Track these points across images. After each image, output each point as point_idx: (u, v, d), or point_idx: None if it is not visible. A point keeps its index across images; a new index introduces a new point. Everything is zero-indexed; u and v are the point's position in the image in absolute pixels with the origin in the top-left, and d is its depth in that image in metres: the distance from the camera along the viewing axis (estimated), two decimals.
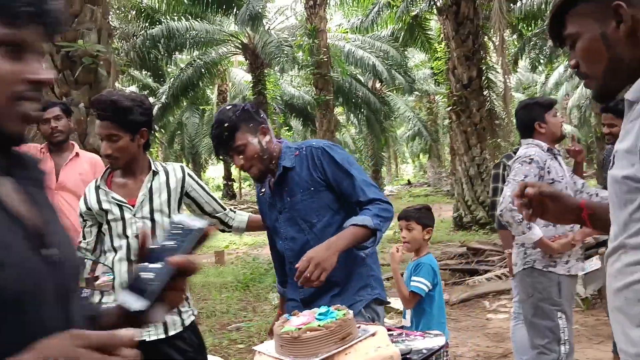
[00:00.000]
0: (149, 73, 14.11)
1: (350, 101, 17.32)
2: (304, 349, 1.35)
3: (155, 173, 2.10)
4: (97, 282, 2.00)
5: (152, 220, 2.05)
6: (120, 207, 2.06)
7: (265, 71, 14.68)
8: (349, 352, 1.35)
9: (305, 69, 13.86)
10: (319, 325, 1.37)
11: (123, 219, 2.05)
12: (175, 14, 12.46)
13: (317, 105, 13.49)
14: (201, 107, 20.58)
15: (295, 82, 19.67)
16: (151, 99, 14.10)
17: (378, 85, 19.20)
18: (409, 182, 29.17)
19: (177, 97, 14.37)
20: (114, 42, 8.10)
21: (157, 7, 12.36)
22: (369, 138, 21.08)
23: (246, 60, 15.37)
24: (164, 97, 14.17)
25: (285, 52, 12.31)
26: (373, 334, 1.42)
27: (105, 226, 2.10)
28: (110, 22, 5.80)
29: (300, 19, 15.08)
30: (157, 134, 15.48)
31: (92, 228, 2.13)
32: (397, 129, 26.07)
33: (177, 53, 14.06)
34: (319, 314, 1.43)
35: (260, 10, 11.72)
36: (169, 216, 2.11)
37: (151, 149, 2.19)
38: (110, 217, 2.07)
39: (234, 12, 12.34)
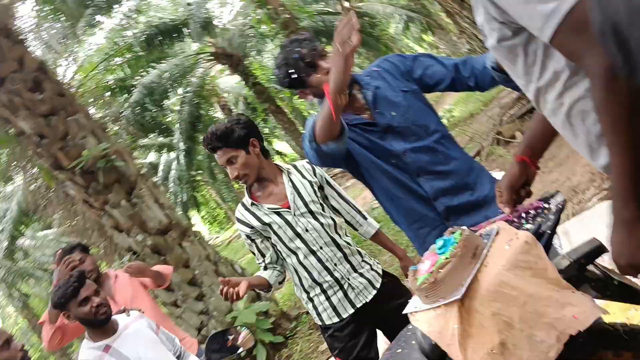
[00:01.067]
0: (155, 133, 14.27)
1: (331, 37, 16.93)
2: (447, 286, 1.32)
3: (288, 172, 2.31)
4: (240, 341, 2.07)
5: (310, 212, 2.26)
6: (279, 213, 2.26)
7: (246, 63, 14.55)
8: (487, 263, 1.32)
9: (274, 38, 13.66)
10: (446, 259, 1.34)
11: (287, 222, 2.26)
12: (140, 70, 12.48)
13: None
14: None
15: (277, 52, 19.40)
16: (172, 154, 14.30)
17: (347, 4, 18.65)
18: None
19: (191, 137, 14.48)
20: (111, 130, 8.22)
21: (122, 75, 12.41)
22: (371, 56, 20.62)
23: (224, 65, 15.27)
24: (181, 144, 14.30)
25: (250, 34, 12.16)
26: (497, 233, 1.37)
27: (274, 237, 2.24)
28: (94, 118, 5.88)
29: None
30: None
31: (265, 242, 2.34)
32: (388, 29, 25.39)
33: (166, 101, 14.14)
34: (439, 249, 1.39)
35: (206, 16, 11.60)
36: (321, 205, 2.31)
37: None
38: (275, 227, 2.27)
39: (187, 34, 12.26)
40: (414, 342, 1.40)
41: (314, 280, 2.35)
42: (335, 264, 2.31)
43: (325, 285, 2.36)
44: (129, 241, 5.19)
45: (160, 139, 15.74)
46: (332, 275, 2.34)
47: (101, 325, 2.63)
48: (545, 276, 1.25)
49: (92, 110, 9.76)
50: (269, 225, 2.27)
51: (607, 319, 1.34)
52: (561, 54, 1.08)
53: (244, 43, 12.22)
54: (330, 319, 2.40)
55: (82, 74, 10.36)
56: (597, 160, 1.15)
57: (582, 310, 1.19)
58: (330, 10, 17.48)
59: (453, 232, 1.43)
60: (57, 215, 6.99)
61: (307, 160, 2.29)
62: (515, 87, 1.96)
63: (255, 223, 2.28)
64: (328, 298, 2.37)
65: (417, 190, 1.97)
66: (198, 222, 28.18)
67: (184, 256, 5.52)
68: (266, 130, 22.57)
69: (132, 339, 2.68)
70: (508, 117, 7.11)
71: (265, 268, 2.38)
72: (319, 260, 2.32)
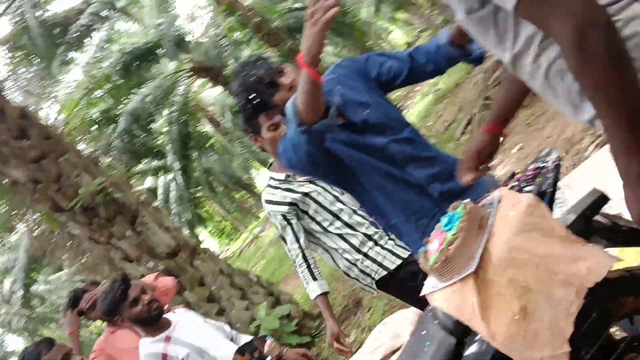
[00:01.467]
0: (148, 158, 14.28)
1: (300, 32, 16.90)
2: (459, 261, 1.32)
3: None
4: (266, 350, 2.09)
5: None
6: (312, 182, 2.29)
7: (225, 72, 14.54)
8: (494, 232, 1.32)
9: (249, 43, 13.64)
10: (453, 235, 1.34)
11: (323, 188, 2.30)
12: (122, 99, 12.47)
13: (285, 57, 13.26)
14: (207, 145, 20.65)
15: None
16: (169, 176, 14.29)
17: None
18: (409, 45, 28.40)
19: (185, 156, 14.46)
20: (103, 163, 8.22)
21: (105, 107, 12.40)
22: (349, 45, 20.53)
23: (204, 78, 15.25)
24: (176, 164, 14.29)
25: (224, 43, 12.16)
26: (500, 200, 1.37)
27: (313, 207, 2.31)
28: (85, 154, 5.89)
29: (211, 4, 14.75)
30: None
31: (299, 222, 2.38)
32: (359, 15, 25.29)
33: (153, 124, 14.12)
34: (445, 226, 1.39)
35: (178, 33, 11.60)
36: None
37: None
38: (314, 194, 2.31)
39: (162, 54, 12.25)
40: (436, 321, 1.40)
41: (365, 235, 2.40)
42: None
43: (376, 237, 2.41)
44: (141, 270, 5.21)
45: (155, 163, 15.74)
46: (377, 227, 2.40)
47: (156, 320, 2.67)
48: (553, 234, 1.25)
49: (81, 147, 9.76)
50: (307, 195, 2.30)
51: (623, 265, 1.34)
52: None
53: (220, 53, 12.22)
54: (393, 263, 2.42)
55: (65, 113, 10.35)
56: (581, 116, 1.14)
57: (595, 262, 1.19)
58: (301, 6, 17.44)
59: (456, 207, 1.43)
60: (65, 257, 6.99)
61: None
62: (473, 60, 1.97)
63: (292, 196, 2.29)
64: (382, 247, 2.42)
65: (409, 179, 1.93)
66: (206, 237, 28.22)
67: (198, 275, 5.53)
68: None
69: (188, 327, 2.74)
70: (493, 81, 7.10)
71: (314, 278, 2.42)
72: (363, 216, 2.38)
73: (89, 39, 10.68)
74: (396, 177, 1.94)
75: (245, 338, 2.98)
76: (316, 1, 1.61)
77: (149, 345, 2.66)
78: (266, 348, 2.48)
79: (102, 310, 2.73)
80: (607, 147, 1.17)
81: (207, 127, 21.11)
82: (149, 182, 17.90)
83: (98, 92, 12.05)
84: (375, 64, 2.03)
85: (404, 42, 29.88)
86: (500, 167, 5.26)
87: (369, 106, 1.95)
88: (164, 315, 2.79)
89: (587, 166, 3.49)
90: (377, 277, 2.46)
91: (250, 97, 2.00)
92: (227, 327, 3.01)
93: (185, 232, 13.51)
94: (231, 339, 2.92)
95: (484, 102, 6.81)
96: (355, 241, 2.41)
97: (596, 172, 2.97)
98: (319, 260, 2.55)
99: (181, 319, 2.82)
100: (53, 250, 6.85)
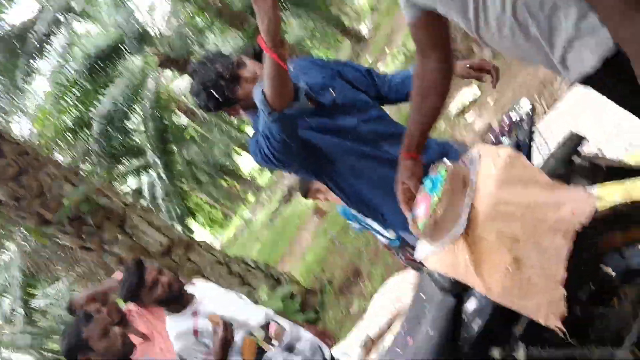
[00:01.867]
0: (128, 158, 14.15)
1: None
2: (448, 223, 1.33)
3: None
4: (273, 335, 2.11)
5: None
6: None
7: (193, 60, 14.36)
8: (478, 189, 1.33)
9: (212, 28, 13.46)
10: (439, 197, 1.35)
11: None
12: (93, 103, 12.29)
13: (251, 37, 13.11)
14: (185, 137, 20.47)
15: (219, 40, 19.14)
16: (153, 173, 14.18)
17: None
18: (373, 9, 28.11)
19: (164, 150, 14.34)
20: (84, 170, 8.14)
21: (77, 113, 12.21)
22: (317, 20, 20.27)
23: (172, 70, 15.06)
24: (157, 160, 14.16)
25: (188, 33, 11.99)
26: (480, 157, 1.38)
27: None
28: (64, 164, 5.83)
29: None
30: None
31: None
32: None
33: (128, 123, 13.94)
34: (429, 190, 1.40)
35: (139, 28, 11.40)
36: None
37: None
38: None
39: (126, 51, 12.05)
40: (433, 283, 1.42)
41: None
42: None
43: None
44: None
45: (136, 162, 15.59)
46: None
47: (179, 299, 2.61)
48: (535, 183, 1.27)
49: (59, 157, 9.65)
50: None
51: (607, 202, 1.37)
52: None
53: (184, 43, 12.05)
54: None
55: (38, 126, 10.20)
56: (554, 52, 1.16)
57: (579, 204, 1.22)
58: None
59: (438, 169, 1.43)
60: (60, 268, 6.96)
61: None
62: None
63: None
64: None
65: (384, 156, 1.91)
66: (198, 229, 28.19)
67: (195, 268, 5.54)
68: (235, 121, 22.43)
69: (212, 297, 2.71)
70: (460, 35, 7.08)
71: None
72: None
73: (49, 45, 10.45)
74: (371, 155, 1.93)
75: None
76: None
77: (176, 323, 2.61)
78: (272, 333, 2.50)
79: (123, 298, 2.66)
80: (578, 87, 1.19)
81: (182, 119, 20.92)
82: (133, 182, 17.76)
83: (67, 99, 11.86)
84: (350, 70, 2.07)
85: (369, 7, 29.59)
86: (479, 121, 5.29)
87: (334, 88, 1.94)
88: (186, 289, 2.72)
89: (560, 108, 3.52)
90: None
91: (212, 95, 1.96)
92: (244, 297, 3.00)
93: (178, 227, 13.50)
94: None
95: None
96: None
97: (570, 114, 3.00)
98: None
99: (205, 292, 2.77)
100: (46, 263, 6.81)
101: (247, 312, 2.68)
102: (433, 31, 1.44)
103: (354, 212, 3.32)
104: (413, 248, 3.05)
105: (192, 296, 2.67)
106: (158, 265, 2.69)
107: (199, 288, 2.81)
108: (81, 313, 2.79)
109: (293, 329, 2.66)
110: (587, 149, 1.40)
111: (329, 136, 1.92)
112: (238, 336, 2.51)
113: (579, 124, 2.73)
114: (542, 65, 1.27)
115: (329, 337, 3.35)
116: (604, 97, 1.26)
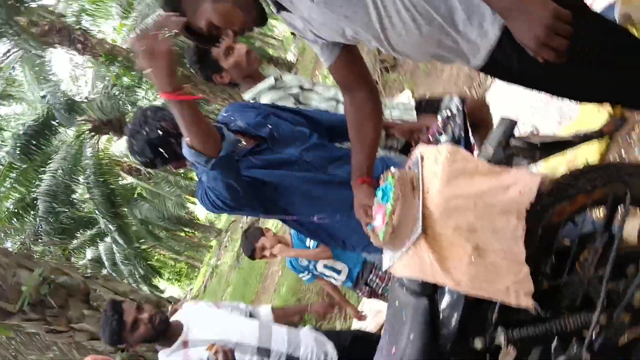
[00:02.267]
0: (81, 230, 13.80)
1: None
2: (405, 227, 1.36)
3: None
4: None
5: None
6: None
7: (131, 119, 14.14)
8: (427, 189, 1.36)
9: (141, 85, 13.35)
10: (392, 205, 1.38)
11: None
12: (34, 182, 11.96)
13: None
14: (137, 196, 20.04)
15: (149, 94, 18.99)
16: (107, 239, 13.84)
17: None
18: None
19: (116, 214, 14.02)
20: (36, 253, 7.88)
21: (18, 195, 11.85)
22: None
23: (108, 132, 14.82)
24: (110, 226, 13.79)
25: (115, 92, 11.88)
26: (422, 158, 1.42)
27: None
28: (14, 251, 5.64)
29: None
30: None
31: None
32: None
33: (73, 195, 13.62)
34: (381, 199, 1.43)
35: (67, 98, 11.24)
36: None
37: None
38: None
39: (57, 124, 11.82)
40: (404, 289, 1.44)
41: None
42: None
43: None
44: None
45: (89, 232, 15.20)
46: None
47: (165, 332, 2.55)
48: (479, 172, 1.31)
49: (8, 245, 9.32)
50: None
51: (555, 175, 1.43)
52: None
53: (115, 104, 11.92)
54: None
55: None
56: (460, 34, 1.23)
57: (524, 184, 1.26)
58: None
59: (386, 179, 1.47)
60: (33, 357, 6.69)
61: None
62: None
63: None
64: None
65: (334, 179, 1.93)
66: (167, 286, 27.58)
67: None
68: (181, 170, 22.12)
69: (202, 323, 2.62)
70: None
71: None
72: None
73: None
74: (322, 180, 1.94)
75: (265, 309, 2.95)
76: (145, 37, 1.46)
77: (168, 357, 2.55)
78: None
79: (108, 343, 2.59)
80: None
81: (129, 179, 20.56)
82: (90, 253, 17.27)
83: (6, 183, 11.53)
84: (285, 112, 2.11)
85: (290, 33, 29.89)
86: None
87: (270, 124, 1.97)
88: (173, 319, 2.66)
89: (491, 96, 3.64)
90: None
91: (157, 152, 1.93)
92: (242, 305, 2.93)
93: (145, 288, 13.17)
94: (250, 315, 2.87)
95: (380, 66, 6.94)
96: None
97: (500, 100, 3.11)
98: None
99: (192, 316, 2.69)
100: (16, 356, 6.53)
101: (240, 330, 2.61)
102: (352, 67, 1.53)
103: (302, 263, 3.36)
104: (367, 284, 3.13)
105: (179, 325, 2.61)
106: (137, 302, 2.61)
107: (187, 312, 2.74)
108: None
109: (292, 336, 2.63)
110: (522, 130, 1.46)
111: (276, 170, 1.92)
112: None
113: (511, 108, 2.83)
114: (454, 57, 1.33)
115: (333, 307, 3.34)
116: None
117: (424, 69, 5.67)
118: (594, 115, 2.30)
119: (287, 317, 3.21)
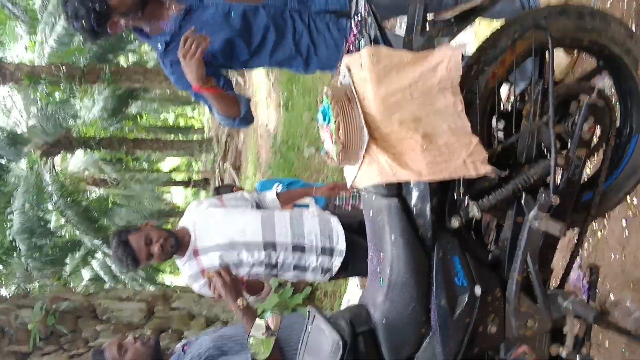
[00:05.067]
0: (69, 255, 13.69)
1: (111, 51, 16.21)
2: (354, 139, 1.36)
3: None
4: (273, 326, 2.11)
5: None
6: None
7: (75, 135, 13.85)
8: (363, 96, 1.36)
9: (77, 93, 12.95)
10: (334, 123, 1.38)
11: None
12: (3, 223, 11.73)
13: (111, 80, 12.72)
14: (111, 204, 19.84)
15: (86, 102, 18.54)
16: (99, 255, 13.76)
17: None
18: None
19: (96, 229, 13.88)
20: (34, 289, 7.82)
21: None
22: None
23: (61, 152, 14.52)
24: (95, 241, 13.69)
25: (54, 110, 11.54)
26: (349, 68, 1.42)
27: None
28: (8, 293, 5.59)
29: None
30: None
31: None
32: None
33: (49, 225, 13.43)
34: (324, 120, 1.43)
35: (7, 132, 10.90)
36: None
37: None
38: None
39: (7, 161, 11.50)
40: (373, 197, 1.47)
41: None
42: None
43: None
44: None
45: (78, 254, 15.08)
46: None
47: (176, 250, 2.61)
48: (405, 63, 1.32)
49: (3, 292, 9.24)
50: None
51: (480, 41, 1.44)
52: None
53: (55, 122, 11.58)
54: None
55: None
56: None
57: (449, 60, 1.28)
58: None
59: (322, 100, 1.47)
60: None
61: None
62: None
63: None
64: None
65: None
66: (173, 278, 27.67)
67: (183, 312, 5.48)
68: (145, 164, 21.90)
69: (206, 228, 2.66)
70: None
71: None
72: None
73: None
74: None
75: (270, 195, 3.01)
76: (185, 40, 1.96)
77: (184, 267, 2.64)
78: (272, 324, 2.51)
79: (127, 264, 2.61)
80: None
81: (98, 191, 20.25)
82: (87, 274, 17.19)
83: None
84: None
85: None
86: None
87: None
88: (180, 226, 2.72)
89: None
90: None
91: (87, 14, 1.97)
92: (246, 195, 2.96)
93: (150, 287, 13.21)
94: (257, 205, 2.92)
95: None
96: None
97: None
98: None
99: (197, 220, 2.71)
100: None
101: (244, 229, 2.62)
102: None
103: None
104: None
105: (187, 233, 2.65)
106: (145, 232, 2.58)
107: (191, 216, 2.76)
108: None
109: (295, 225, 2.67)
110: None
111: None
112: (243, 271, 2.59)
113: None
114: None
115: (337, 189, 3.43)
116: None
117: None
118: None
119: (293, 199, 3.37)
